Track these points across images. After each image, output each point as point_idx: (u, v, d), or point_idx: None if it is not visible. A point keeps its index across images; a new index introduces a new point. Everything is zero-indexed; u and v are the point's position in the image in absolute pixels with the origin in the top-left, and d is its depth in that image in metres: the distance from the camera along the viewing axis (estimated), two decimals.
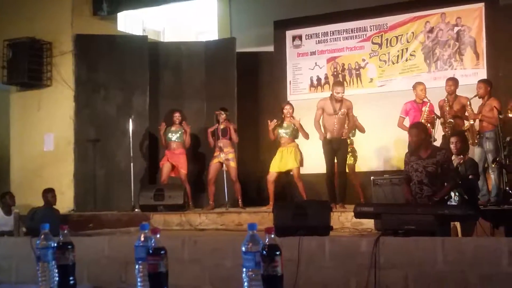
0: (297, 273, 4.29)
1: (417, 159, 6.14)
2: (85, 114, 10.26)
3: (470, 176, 6.96)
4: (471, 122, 8.09)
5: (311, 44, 10.79)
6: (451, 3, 9.80)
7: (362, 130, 9.05)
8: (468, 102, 8.14)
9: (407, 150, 8.53)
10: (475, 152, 8.02)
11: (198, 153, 10.45)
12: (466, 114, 8.24)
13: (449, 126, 8.17)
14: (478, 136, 8.07)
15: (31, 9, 10.42)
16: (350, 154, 8.75)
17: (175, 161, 9.44)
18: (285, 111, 8.94)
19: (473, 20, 9.67)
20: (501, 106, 7.97)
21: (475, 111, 8.14)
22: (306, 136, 8.86)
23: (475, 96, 8.17)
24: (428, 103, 8.39)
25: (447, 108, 8.26)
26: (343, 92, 8.24)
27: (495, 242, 4.25)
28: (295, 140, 8.94)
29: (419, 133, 6.22)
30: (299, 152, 8.88)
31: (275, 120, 8.92)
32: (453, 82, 8.43)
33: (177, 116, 9.61)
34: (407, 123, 8.61)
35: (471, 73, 9.51)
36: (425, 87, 8.59)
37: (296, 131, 8.89)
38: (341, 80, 10.12)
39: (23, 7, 10.47)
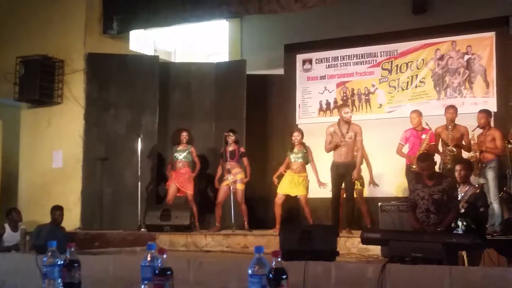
0: None
1: (423, 187, 6.13)
2: (94, 132, 10.28)
3: (481, 209, 6.83)
4: (476, 153, 7.95)
5: (321, 68, 10.84)
6: (462, 31, 9.81)
7: (365, 158, 9.00)
8: (472, 133, 8.08)
9: (405, 177, 8.62)
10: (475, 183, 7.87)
11: (206, 174, 10.44)
12: (463, 143, 8.22)
13: (450, 155, 8.10)
14: (479, 166, 7.98)
15: (44, 27, 10.51)
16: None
17: (180, 182, 9.44)
18: (293, 138, 8.96)
19: (483, 49, 9.68)
20: (502, 136, 7.93)
21: (475, 141, 8.04)
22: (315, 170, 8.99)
23: (477, 126, 8.09)
24: (430, 131, 8.37)
25: (450, 137, 8.22)
26: (351, 112, 8.31)
27: (502, 271, 4.21)
28: (306, 165, 8.95)
29: (432, 165, 6.28)
30: (308, 182, 8.91)
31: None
32: (454, 110, 8.37)
33: (184, 135, 9.61)
34: (405, 150, 8.61)
35: (481, 102, 9.48)
36: (419, 114, 8.61)
37: (307, 156, 8.90)
38: (349, 105, 10.13)
39: (36, 25, 10.55)
